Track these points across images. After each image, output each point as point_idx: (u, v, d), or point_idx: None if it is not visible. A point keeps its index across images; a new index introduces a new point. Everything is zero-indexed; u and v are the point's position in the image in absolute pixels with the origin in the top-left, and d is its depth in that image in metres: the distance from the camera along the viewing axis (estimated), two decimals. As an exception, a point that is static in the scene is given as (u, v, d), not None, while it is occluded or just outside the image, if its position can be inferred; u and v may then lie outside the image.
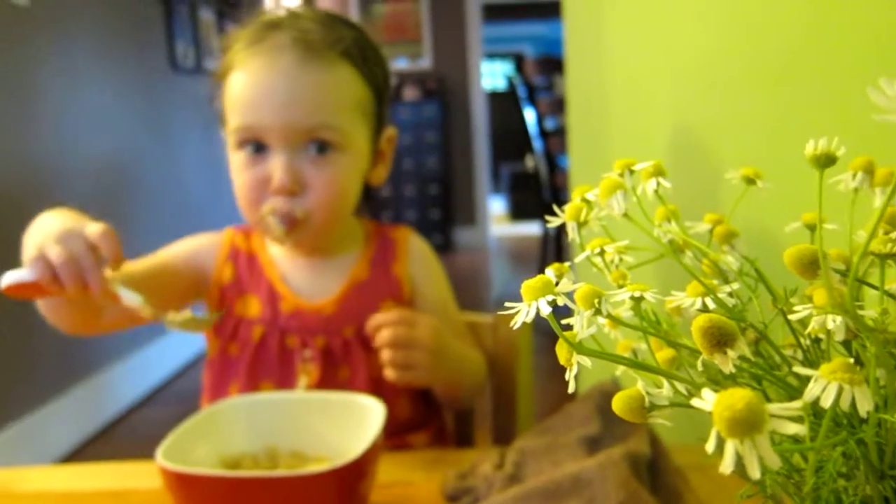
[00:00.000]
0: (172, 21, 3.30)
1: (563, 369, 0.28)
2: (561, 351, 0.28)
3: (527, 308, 0.27)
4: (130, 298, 0.68)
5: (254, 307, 0.88)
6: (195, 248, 0.92)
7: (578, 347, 0.27)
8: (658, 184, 0.37)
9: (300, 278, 0.89)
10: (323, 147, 0.81)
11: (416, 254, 0.93)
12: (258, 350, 0.86)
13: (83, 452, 2.40)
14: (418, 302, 0.91)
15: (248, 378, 0.86)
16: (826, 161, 0.27)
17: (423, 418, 0.91)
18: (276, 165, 0.80)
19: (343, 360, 0.86)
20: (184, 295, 0.90)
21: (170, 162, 3.28)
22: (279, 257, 0.91)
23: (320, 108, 0.81)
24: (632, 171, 0.37)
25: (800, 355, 0.34)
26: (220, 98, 0.86)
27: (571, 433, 0.66)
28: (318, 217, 0.82)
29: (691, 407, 0.29)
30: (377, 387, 0.84)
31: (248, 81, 0.81)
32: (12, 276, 0.64)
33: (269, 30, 0.82)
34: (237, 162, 0.83)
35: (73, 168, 2.53)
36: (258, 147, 0.81)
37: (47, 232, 0.66)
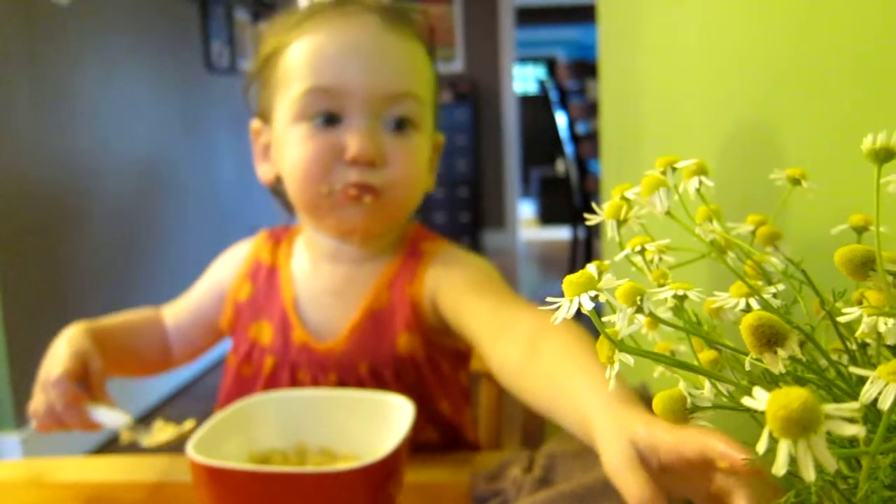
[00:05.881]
0: (208, 21, 3.34)
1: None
2: (602, 349, 0.27)
3: (568, 303, 0.27)
4: (112, 420, 0.70)
5: (266, 334, 0.83)
6: (218, 278, 0.89)
7: (621, 345, 0.26)
8: (700, 182, 0.36)
9: (313, 306, 0.82)
10: (402, 122, 0.74)
11: (439, 260, 0.81)
12: (269, 381, 0.81)
13: (113, 445, 2.43)
14: (439, 298, 0.77)
15: None
16: (885, 156, 0.26)
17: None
18: (355, 132, 0.72)
19: None
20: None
21: (203, 161, 3.31)
22: (299, 274, 0.84)
23: (407, 74, 0.74)
24: (674, 170, 0.37)
25: (845, 360, 0.34)
26: (257, 86, 0.80)
27: (602, 437, 0.65)
28: (395, 196, 0.75)
29: (735, 409, 0.28)
30: None
31: (325, 41, 0.73)
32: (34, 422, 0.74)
33: (341, 2, 0.76)
34: (297, 134, 0.73)
35: (109, 165, 2.57)
36: (330, 118, 0.73)
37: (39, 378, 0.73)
